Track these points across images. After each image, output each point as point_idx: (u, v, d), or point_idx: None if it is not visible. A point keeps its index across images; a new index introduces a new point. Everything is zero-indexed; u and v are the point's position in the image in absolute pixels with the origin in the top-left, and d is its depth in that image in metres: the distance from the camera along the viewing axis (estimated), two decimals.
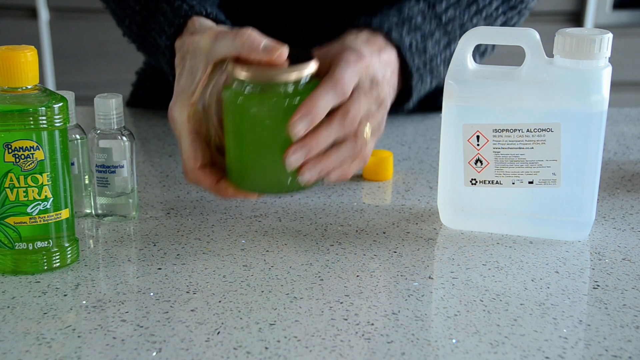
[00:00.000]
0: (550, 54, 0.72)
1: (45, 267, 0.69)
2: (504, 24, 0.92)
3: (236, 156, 0.75)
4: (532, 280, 0.68)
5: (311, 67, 0.72)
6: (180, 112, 0.75)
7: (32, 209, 0.67)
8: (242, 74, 0.71)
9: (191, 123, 0.75)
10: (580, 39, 0.70)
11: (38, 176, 0.67)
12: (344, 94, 0.72)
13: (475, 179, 0.76)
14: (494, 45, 0.93)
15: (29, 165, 0.66)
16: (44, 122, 0.66)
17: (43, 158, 0.66)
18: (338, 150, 0.74)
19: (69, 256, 0.70)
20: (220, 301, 0.65)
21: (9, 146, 0.65)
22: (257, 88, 0.71)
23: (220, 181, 0.76)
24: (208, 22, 0.80)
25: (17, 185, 0.66)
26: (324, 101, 0.71)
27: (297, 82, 0.72)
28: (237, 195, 0.77)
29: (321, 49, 0.79)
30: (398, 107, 0.87)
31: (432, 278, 0.69)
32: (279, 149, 0.72)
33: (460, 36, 0.82)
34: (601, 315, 0.63)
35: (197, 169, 0.76)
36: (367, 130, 0.75)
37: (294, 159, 0.71)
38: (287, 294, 0.66)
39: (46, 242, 0.68)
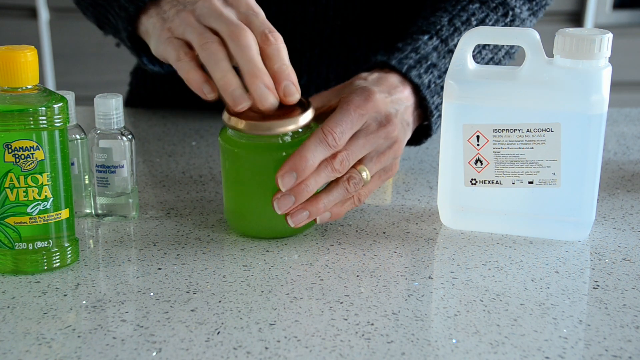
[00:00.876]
0: (550, 54, 0.72)
1: (45, 267, 0.69)
2: (507, 53, 0.91)
3: (231, 198, 0.76)
4: (532, 280, 0.68)
5: (307, 116, 0.72)
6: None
7: (32, 209, 0.67)
8: (238, 123, 0.71)
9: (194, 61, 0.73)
10: (580, 39, 0.70)
11: (38, 176, 0.67)
12: (335, 147, 0.71)
13: (475, 179, 0.76)
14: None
15: (29, 165, 0.66)
16: (44, 122, 0.66)
17: (43, 158, 0.66)
18: (328, 194, 0.73)
19: (69, 256, 0.70)
20: (220, 301, 0.65)
21: (9, 146, 0.65)
22: (252, 139, 0.72)
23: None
24: None
25: (17, 185, 0.66)
26: (312, 155, 0.70)
27: (292, 133, 0.72)
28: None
29: (330, 91, 0.78)
30: (417, 144, 0.87)
31: (432, 278, 0.69)
32: (271, 197, 0.72)
33: None
34: (601, 315, 0.63)
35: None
36: (365, 172, 0.74)
37: (280, 205, 0.72)
38: (287, 294, 0.66)
39: (46, 242, 0.68)
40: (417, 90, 0.81)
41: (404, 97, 0.80)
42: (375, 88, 0.77)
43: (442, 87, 0.83)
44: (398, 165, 0.79)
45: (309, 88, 1.11)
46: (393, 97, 0.78)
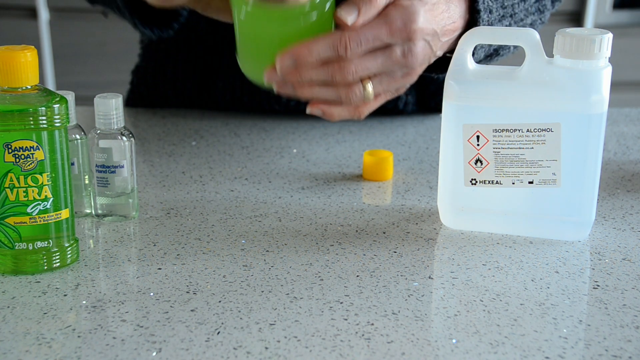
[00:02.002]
0: (550, 54, 0.72)
1: (45, 267, 0.69)
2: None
3: (241, 44, 0.75)
4: (532, 280, 0.68)
5: None
6: None
7: (32, 209, 0.67)
8: None
9: None
10: (580, 39, 0.70)
11: (38, 176, 0.67)
12: (344, 57, 0.69)
13: (475, 179, 0.76)
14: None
15: (29, 165, 0.66)
16: (44, 122, 0.66)
17: (43, 158, 0.66)
18: (322, 89, 0.71)
19: (69, 256, 0.70)
20: (220, 301, 0.65)
21: (9, 146, 0.65)
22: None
23: None
24: None
25: (17, 185, 0.66)
26: (317, 53, 0.69)
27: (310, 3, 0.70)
28: None
29: None
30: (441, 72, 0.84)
31: (432, 278, 0.69)
32: (272, 53, 0.71)
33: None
34: (601, 315, 0.63)
35: None
36: (369, 89, 0.72)
37: (268, 77, 0.71)
38: (287, 294, 0.66)
39: (46, 242, 0.68)
40: (472, 11, 0.78)
41: (450, 23, 0.76)
42: (422, 9, 0.72)
43: (501, 17, 0.80)
44: (404, 89, 0.77)
45: None
46: (435, 20, 0.74)
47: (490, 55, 0.91)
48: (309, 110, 0.73)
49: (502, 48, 0.90)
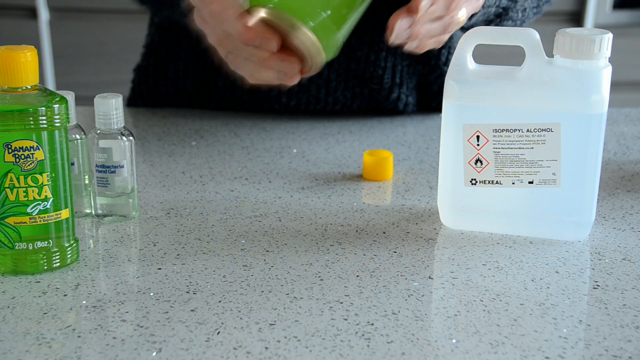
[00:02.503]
0: (550, 54, 0.72)
1: (45, 267, 0.69)
2: None
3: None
4: (532, 280, 0.68)
5: None
6: None
7: (32, 209, 0.67)
8: None
9: None
10: (580, 39, 0.70)
11: (38, 176, 0.67)
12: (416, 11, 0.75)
13: (475, 179, 0.76)
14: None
15: (29, 165, 0.66)
16: (44, 122, 0.66)
17: (43, 158, 0.66)
18: (436, 24, 0.78)
19: (69, 256, 0.70)
20: (220, 301, 0.65)
21: (9, 146, 0.65)
22: None
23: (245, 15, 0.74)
24: None
25: (17, 185, 0.66)
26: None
27: None
28: (261, 32, 0.74)
29: None
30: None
31: (432, 278, 0.69)
32: None
33: None
34: (601, 315, 0.63)
35: (225, 3, 0.74)
36: (461, 16, 0.79)
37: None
38: (287, 294, 0.66)
39: (46, 242, 0.68)
40: None
41: None
42: None
43: None
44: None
45: (309, 88, 1.11)
46: None
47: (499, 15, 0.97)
48: (408, 44, 0.78)
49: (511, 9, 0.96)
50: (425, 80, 1.15)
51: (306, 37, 0.72)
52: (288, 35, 0.73)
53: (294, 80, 0.77)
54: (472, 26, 0.95)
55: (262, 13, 0.73)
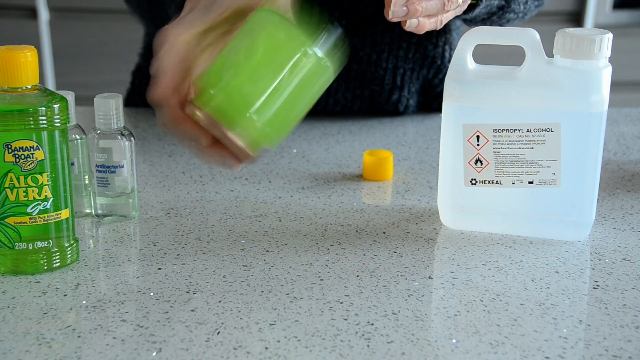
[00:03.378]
0: (550, 54, 0.72)
1: (45, 267, 0.69)
2: None
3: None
4: (532, 280, 0.68)
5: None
6: (178, 33, 0.68)
7: (32, 209, 0.67)
8: None
9: (183, 48, 0.68)
10: (580, 39, 0.70)
11: (38, 176, 0.67)
12: None
13: (475, 179, 0.76)
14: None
15: (29, 165, 0.66)
16: (44, 122, 0.66)
17: (43, 158, 0.66)
18: (433, 3, 0.77)
19: (69, 256, 0.70)
20: (220, 301, 0.65)
21: (9, 146, 0.65)
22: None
23: (185, 105, 0.68)
24: None
25: (17, 185, 0.66)
26: None
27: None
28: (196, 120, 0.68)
29: None
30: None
31: (432, 278, 0.69)
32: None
33: None
34: (601, 315, 0.63)
35: (171, 87, 0.67)
36: None
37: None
38: (287, 294, 0.66)
39: (46, 242, 0.68)
40: None
41: None
42: None
43: None
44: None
45: None
46: None
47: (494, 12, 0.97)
48: (408, 23, 0.77)
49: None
50: (429, 83, 1.14)
51: (241, 136, 0.67)
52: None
53: (237, 167, 0.72)
54: (475, 18, 0.95)
55: (197, 112, 0.68)
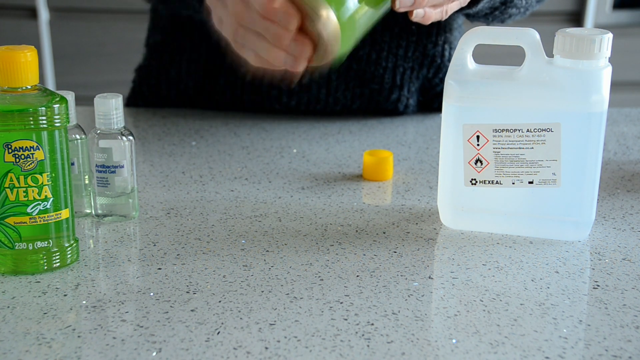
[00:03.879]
0: (550, 54, 0.72)
1: (45, 267, 0.69)
2: None
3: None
4: (532, 280, 0.68)
5: None
6: None
7: (32, 209, 0.67)
8: None
9: None
10: (580, 39, 0.70)
11: (38, 176, 0.67)
12: None
13: (475, 179, 0.76)
14: None
15: (29, 165, 0.66)
16: (44, 122, 0.66)
17: (43, 158, 0.66)
18: None
19: (69, 256, 0.70)
20: (220, 301, 0.65)
21: (9, 146, 0.65)
22: None
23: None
24: None
25: (17, 185, 0.66)
26: None
27: None
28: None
29: None
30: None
31: (432, 278, 0.69)
32: None
33: None
34: (601, 315, 0.63)
35: None
36: None
37: None
38: (287, 294, 0.66)
39: (46, 242, 0.68)
40: None
41: None
42: None
43: None
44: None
45: (310, 88, 1.11)
46: None
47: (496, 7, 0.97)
48: (415, 13, 0.78)
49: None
50: (429, 83, 1.14)
51: (330, 23, 0.71)
52: (310, 20, 0.71)
53: (300, 67, 0.74)
54: (477, 13, 0.95)
55: None
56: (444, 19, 0.82)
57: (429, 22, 0.79)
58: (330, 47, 0.72)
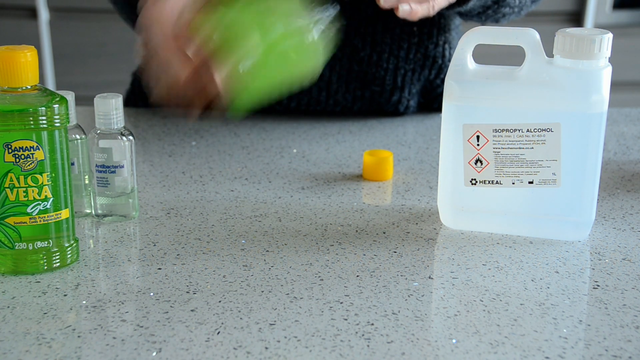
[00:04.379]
0: (550, 54, 0.72)
1: (45, 267, 0.69)
2: None
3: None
4: (532, 280, 0.68)
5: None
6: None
7: (32, 209, 0.67)
8: None
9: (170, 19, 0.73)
10: (580, 39, 0.70)
11: (38, 176, 0.67)
12: None
13: (475, 179, 0.76)
14: None
15: (29, 165, 0.66)
16: (44, 122, 0.66)
17: (43, 158, 0.66)
18: None
19: (69, 256, 0.70)
20: (220, 301, 0.65)
21: (9, 146, 0.65)
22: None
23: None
24: None
25: (17, 185, 0.66)
26: None
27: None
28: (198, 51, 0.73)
29: None
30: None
31: (432, 278, 0.69)
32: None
33: None
34: (601, 315, 0.63)
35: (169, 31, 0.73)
36: None
37: None
38: (287, 294, 0.66)
39: (46, 242, 0.68)
40: None
41: None
42: None
43: None
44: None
45: (310, 89, 1.11)
46: None
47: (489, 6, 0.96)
48: (400, 9, 0.78)
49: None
50: (431, 84, 1.14)
51: (232, 77, 0.71)
52: (213, 67, 0.72)
53: (193, 118, 0.76)
54: (469, 11, 0.95)
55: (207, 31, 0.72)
56: (432, 14, 0.82)
57: (417, 18, 0.80)
58: (230, 100, 0.73)
